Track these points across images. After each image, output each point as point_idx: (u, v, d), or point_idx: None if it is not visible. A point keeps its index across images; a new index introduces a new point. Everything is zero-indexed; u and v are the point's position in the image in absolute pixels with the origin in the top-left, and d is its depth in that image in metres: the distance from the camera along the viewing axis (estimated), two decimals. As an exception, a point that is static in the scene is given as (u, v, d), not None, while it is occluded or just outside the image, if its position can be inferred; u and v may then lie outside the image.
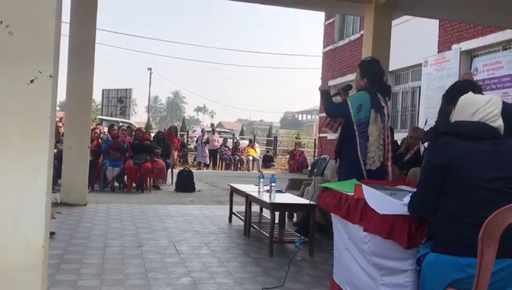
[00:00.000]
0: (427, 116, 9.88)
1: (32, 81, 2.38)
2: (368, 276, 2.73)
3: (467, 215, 2.22)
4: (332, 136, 11.81)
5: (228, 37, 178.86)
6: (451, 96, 3.36)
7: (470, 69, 10.24)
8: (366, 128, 3.99)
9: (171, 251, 4.73)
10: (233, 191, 6.41)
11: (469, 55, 10.48)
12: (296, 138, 27.90)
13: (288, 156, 21.42)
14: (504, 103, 2.53)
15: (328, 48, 17.55)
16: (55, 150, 8.06)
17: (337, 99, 4.45)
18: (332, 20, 17.29)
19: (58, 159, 7.82)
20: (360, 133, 3.98)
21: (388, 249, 2.57)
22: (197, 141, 19.09)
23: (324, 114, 4.48)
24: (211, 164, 18.30)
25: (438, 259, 2.27)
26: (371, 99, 3.99)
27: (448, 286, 2.21)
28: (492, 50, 9.88)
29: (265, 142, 29.52)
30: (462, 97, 2.50)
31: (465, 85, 3.44)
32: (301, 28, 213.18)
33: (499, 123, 2.38)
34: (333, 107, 4.22)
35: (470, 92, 2.54)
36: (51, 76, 2.40)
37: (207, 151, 18.15)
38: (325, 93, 4.38)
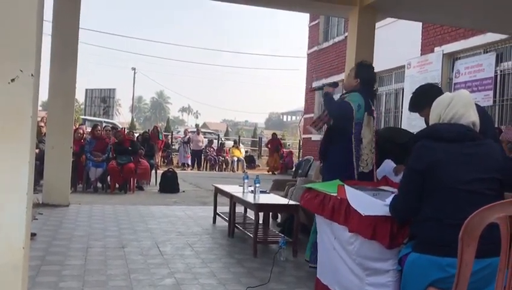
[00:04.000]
0: (410, 117, 10.00)
1: (13, 80, 2.34)
2: (355, 276, 2.75)
3: (447, 216, 2.25)
4: (316, 137, 11.86)
5: (213, 37, 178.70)
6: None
7: (452, 71, 10.39)
8: (359, 129, 4.01)
9: (154, 252, 4.70)
10: (218, 191, 6.39)
11: (451, 58, 10.63)
12: (281, 139, 27.96)
13: (268, 156, 19.95)
14: (476, 105, 2.56)
15: (312, 49, 17.63)
16: (37, 150, 7.95)
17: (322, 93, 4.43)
18: (317, 21, 17.37)
19: (40, 159, 7.72)
20: (355, 133, 4.00)
21: (371, 249, 2.60)
22: (179, 142, 19.03)
23: (307, 115, 4.48)
24: (196, 164, 18.24)
25: (419, 259, 2.29)
26: (365, 102, 4.03)
27: (429, 285, 2.24)
28: (473, 53, 10.03)
29: (250, 143, 29.56)
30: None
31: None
32: (286, 29, 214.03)
33: (470, 120, 2.41)
34: (338, 106, 4.08)
35: (446, 93, 2.57)
36: (32, 75, 2.37)
37: (189, 152, 18.08)
38: (328, 96, 4.21)
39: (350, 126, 3.98)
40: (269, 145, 19.98)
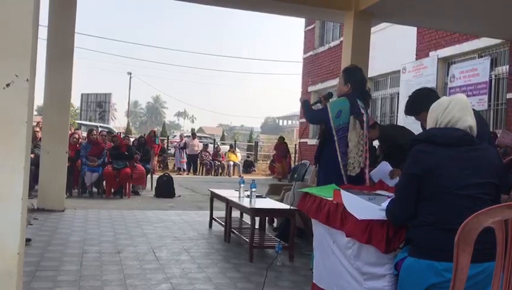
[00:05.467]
0: (406, 122, 10.02)
1: (8, 85, 2.34)
2: (354, 280, 2.75)
3: (443, 221, 2.25)
4: (312, 141, 11.88)
5: (210, 42, 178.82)
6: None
7: (447, 76, 10.44)
8: (345, 134, 4.04)
9: (150, 257, 4.69)
10: (214, 196, 6.39)
11: (446, 62, 10.68)
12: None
13: (271, 161, 18.83)
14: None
15: (308, 54, 17.68)
16: (32, 155, 7.92)
17: (319, 106, 4.52)
18: (312, 26, 17.42)
19: (35, 164, 7.69)
20: (339, 139, 4.03)
21: (368, 254, 2.59)
22: (175, 147, 19.01)
23: (304, 120, 4.52)
24: (192, 169, 18.21)
25: (415, 264, 2.29)
26: (351, 105, 4.05)
27: (426, 290, 2.24)
28: (468, 57, 10.08)
29: (246, 147, 29.55)
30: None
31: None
32: (283, 33, 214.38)
33: (468, 124, 2.40)
34: (313, 113, 4.32)
35: (443, 97, 2.58)
36: (27, 80, 2.37)
37: (184, 157, 18.05)
38: (305, 103, 4.46)
39: (331, 129, 4.06)
40: (275, 150, 18.54)
